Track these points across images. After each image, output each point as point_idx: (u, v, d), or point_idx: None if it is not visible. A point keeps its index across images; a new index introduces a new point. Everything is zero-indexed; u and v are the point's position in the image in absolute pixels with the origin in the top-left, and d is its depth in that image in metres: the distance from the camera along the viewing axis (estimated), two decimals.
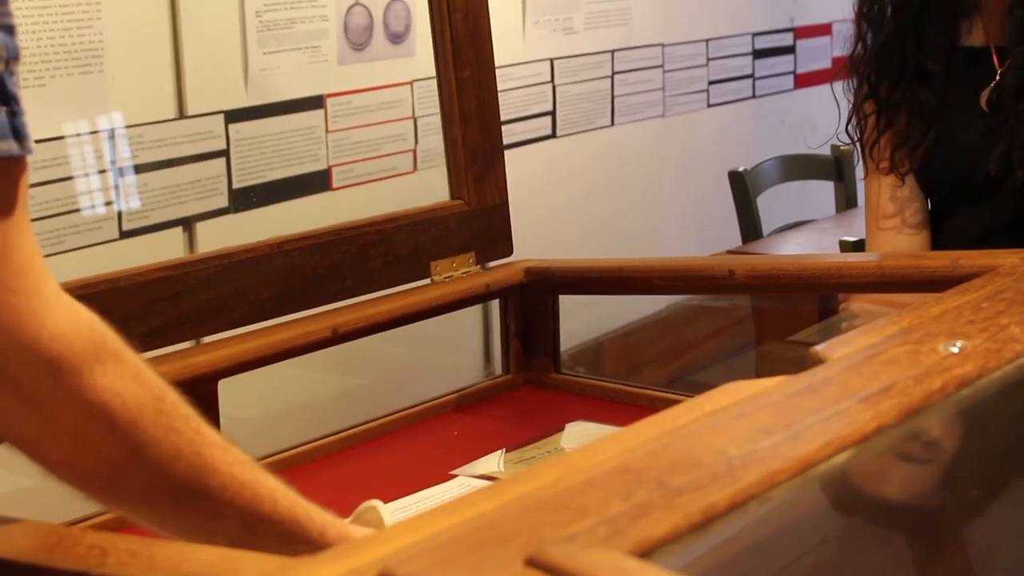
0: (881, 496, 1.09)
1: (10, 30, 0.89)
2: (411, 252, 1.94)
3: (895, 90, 2.01)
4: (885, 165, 2.02)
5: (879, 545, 1.14)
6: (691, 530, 0.73)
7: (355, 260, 1.87)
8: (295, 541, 1.04)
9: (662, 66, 4.28)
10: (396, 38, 3.24)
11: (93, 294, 1.57)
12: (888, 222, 2.03)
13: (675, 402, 1.67)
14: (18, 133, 0.90)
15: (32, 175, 2.44)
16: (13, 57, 0.90)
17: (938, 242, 2.02)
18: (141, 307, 1.63)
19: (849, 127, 2.08)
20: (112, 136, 2.62)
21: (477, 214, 2.02)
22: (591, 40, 3.97)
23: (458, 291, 1.98)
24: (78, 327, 0.96)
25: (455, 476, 1.74)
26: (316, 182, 3.07)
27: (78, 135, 2.56)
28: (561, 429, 1.89)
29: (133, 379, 0.98)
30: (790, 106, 4.87)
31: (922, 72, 2.00)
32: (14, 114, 0.90)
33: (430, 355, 3.06)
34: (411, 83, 3.27)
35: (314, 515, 1.07)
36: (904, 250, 2.00)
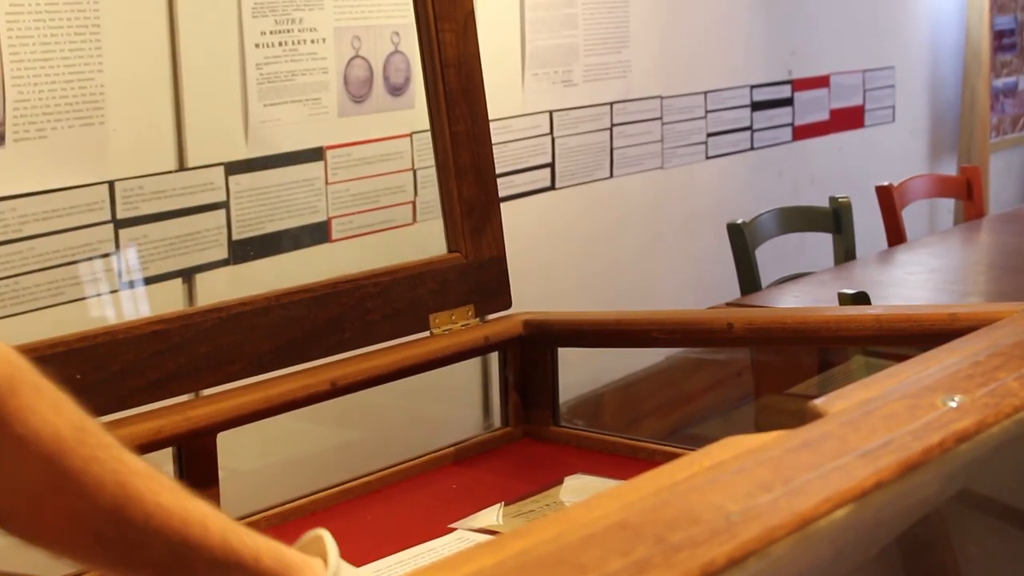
0: (881, 553, 1.09)
1: None
2: (410, 305, 1.94)
3: None
4: None
5: None
6: None
7: (354, 313, 1.87)
8: (228, 568, 1.02)
9: (661, 118, 4.30)
10: (396, 90, 3.25)
11: (91, 346, 1.57)
12: None
13: (674, 455, 1.66)
14: None
15: (32, 226, 2.44)
16: None
17: None
18: (139, 360, 1.62)
19: None
20: (112, 187, 2.63)
21: (475, 267, 2.03)
22: (590, 92, 3.99)
23: (457, 344, 1.98)
24: None
25: (454, 529, 1.74)
26: (316, 234, 3.08)
27: (78, 186, 2.56)
28: (560, 482, 1.89)
29: (51, 410, 0.96)
30: (788, 158, 4.89)
31: None
32: None
33: (429, 408, 3.06)
34: (411, 135, 3.28)
35: (247, 540, 1.03)
36: None
